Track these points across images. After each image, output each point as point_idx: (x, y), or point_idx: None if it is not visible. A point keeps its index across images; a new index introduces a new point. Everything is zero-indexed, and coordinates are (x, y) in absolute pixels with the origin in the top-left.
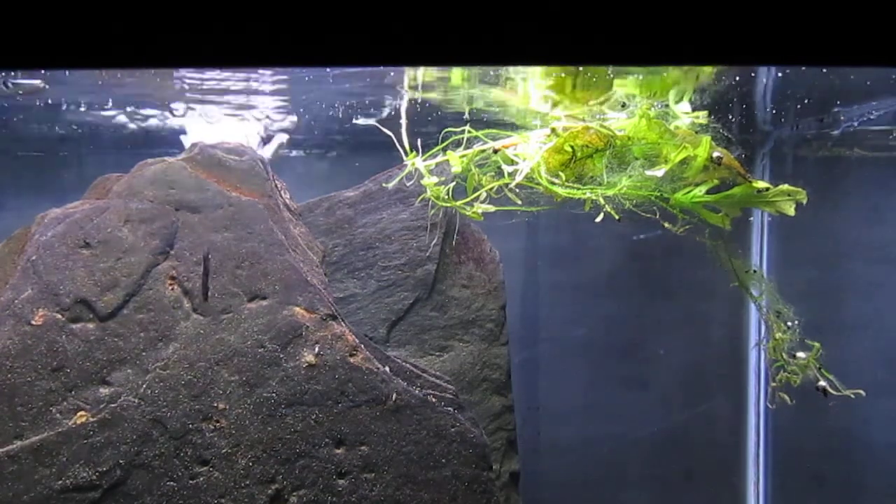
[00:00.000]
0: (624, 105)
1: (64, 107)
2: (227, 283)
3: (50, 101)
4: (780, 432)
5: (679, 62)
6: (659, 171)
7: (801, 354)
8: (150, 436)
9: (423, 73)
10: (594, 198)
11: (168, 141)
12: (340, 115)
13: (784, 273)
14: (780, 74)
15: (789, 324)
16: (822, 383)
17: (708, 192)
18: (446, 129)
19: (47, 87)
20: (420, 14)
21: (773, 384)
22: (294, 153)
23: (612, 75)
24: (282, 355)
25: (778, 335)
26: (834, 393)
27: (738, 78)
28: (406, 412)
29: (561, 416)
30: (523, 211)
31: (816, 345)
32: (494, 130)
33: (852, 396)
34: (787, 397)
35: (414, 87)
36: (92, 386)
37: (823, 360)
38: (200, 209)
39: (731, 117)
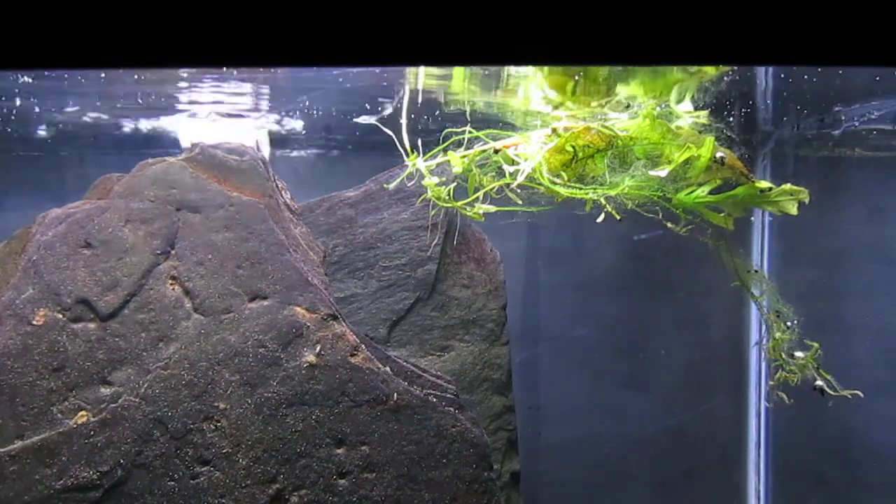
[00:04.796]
0: (627, 106)
1: (64, 107)
2: (227, 283)
3: (51, 101)
4: (780, 432)
5: (680, 62)
6: (662, 172)
7: (799, 354)
8: (150, 435)
9: (424, 73)
10: (596, 198)
11: (169, 141)
12: (341, 115)
13: (785, 273)
14: (780, 74)
15: (789, 323)
16: (820, 383)
17: (710, 193)
18: (447, 130)
19: None
20: (421, 14)
21: (772, 383)
22: (294, 153)
23: (620, 71)
24: (282, 355)
25: (777, 335)
26: (831, 393)
27: (738, 78)
28: (407, 412)
29: (562, 415)
30: (524, 211)
31: (815, 345)
32: (495, 130)
33: (849, 397)
34: (784, 396)
35: (415, 87)
36: (93, 386)
37: (824, 359)
38: (201, 209)
39: (732, 117)
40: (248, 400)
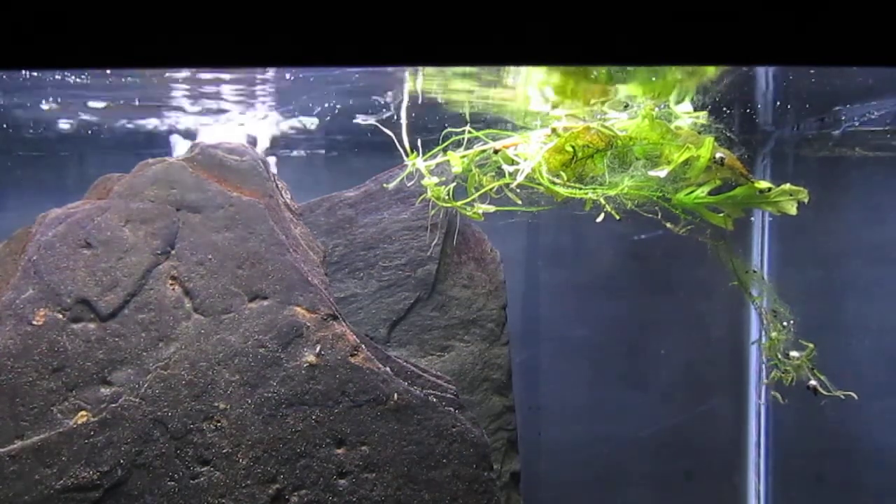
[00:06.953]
0: (626, 106)
1: (64, 106)
2: (227, 283)
3: (51, 101)
4: (780, 432)
5: (680, 62)
6: (662, 172)
7: (794, 354)
8: (150, 435)
9: (424, 73)
10: (595, 198)
11: (169, 141)
12: (341, 115)
13: (785, 273)
14: (780, 74)
15: (785, 323)
16: (813, 382)
17: (710, 193)
18: (447, 130)
19: None
20: (421, 14)
21: (766, 382)
22: (295, 153)
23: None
24: (283, 355)
25: (774, 335)
26: (824, 393)
27: (738, 78)
28: (407, 412)
29: (562, 416)
30: (524, 211)
31: (810, 345)
32: (495, 130)
33: (842, 398)
34: (779, 396)
35: (414, 87)
36: (93, 386)
37: (824, 360)
38: (201, 209)
39: (732, 117)
40: (248, 400)
